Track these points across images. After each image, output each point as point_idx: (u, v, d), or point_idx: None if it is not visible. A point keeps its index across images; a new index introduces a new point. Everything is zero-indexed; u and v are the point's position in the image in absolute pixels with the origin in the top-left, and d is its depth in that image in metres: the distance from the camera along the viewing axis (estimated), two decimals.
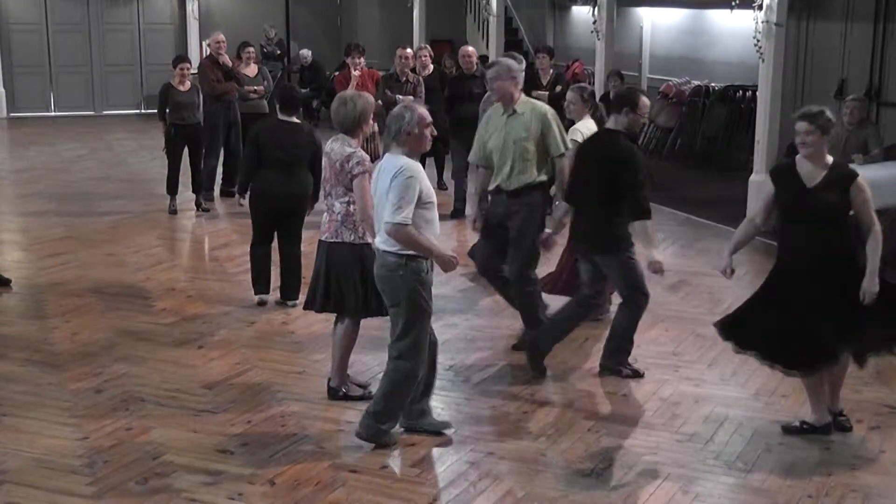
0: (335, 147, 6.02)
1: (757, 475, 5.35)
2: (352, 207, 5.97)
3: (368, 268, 5.80)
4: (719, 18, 14.51)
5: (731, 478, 5.33)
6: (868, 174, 9.01)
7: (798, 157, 5.68)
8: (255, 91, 12.35)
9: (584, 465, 5.44)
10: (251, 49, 12.68)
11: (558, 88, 11.62)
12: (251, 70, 12.49)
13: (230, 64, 12.08)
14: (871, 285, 5.45)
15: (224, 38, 12.20)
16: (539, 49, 12.51)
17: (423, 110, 5.48)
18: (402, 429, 5.73)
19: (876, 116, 11.07)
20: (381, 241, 5.47)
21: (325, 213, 6.17)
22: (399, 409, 5.64)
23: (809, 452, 5.60)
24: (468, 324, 7.67)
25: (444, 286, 7.93)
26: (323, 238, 6.14)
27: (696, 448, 5.67)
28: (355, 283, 6.03)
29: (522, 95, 7.07)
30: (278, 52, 19.22)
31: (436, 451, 5.59)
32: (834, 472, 5.37)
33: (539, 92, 11.43)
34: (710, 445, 5.70)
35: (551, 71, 11.83)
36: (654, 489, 5.19)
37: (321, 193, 6.54)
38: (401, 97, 10.89)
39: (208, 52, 12.46)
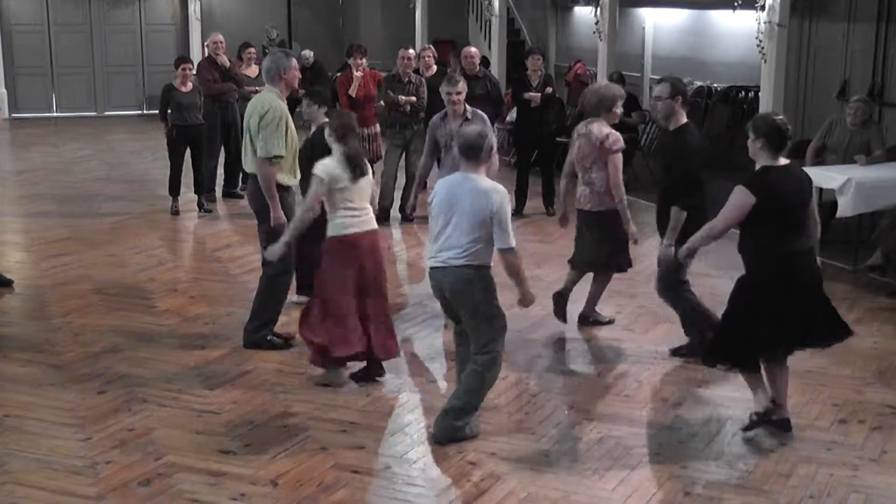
0: (593, 129, 7.21)
1: (759, 475, 5.35)
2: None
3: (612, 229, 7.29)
4: (721, 19, 14.51)
5: (733, 478, 5.33)
6: (871, 175, 9.11)
7: None
8: (255, 92, 12.34)
9: (587, 466, 5.44)
10: (252, 50, 12.70)
11: (548, 90, 11.61)
12: (252, 71, 12.49)
13: (228, 64, 12.09)
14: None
15: (222, 39, 12.22)
16: (532, 50, 12.51)
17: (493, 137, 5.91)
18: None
19: (879, 117, 11.06)
20: (452, 256, 5.59)
21: (584, 187, 7.29)
22: (477, 403, 5.77)
23: (812, 453, 5.59)
24: None
25: None
26: (585, 208, 7.34)
27: (698, 448, 5.67)
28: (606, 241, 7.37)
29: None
30: None
31: (438, 452, 5.59)
32: (836, 473, 5.37)
33: (530, 94, 11.42)
34: (713, 446, 5.70)
35: (540, 73, 11.75)
36: (656, 489, 5.19)
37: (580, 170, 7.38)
38: (403, 98, 10.89)
39: (207, 53, 12.49)
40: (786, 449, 5.64)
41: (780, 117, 5.68)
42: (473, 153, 5.60)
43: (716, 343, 5.87)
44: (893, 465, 5.49)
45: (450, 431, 5.66)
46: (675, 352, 7.06)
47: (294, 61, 7.25)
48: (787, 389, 5.87)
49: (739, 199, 5.51)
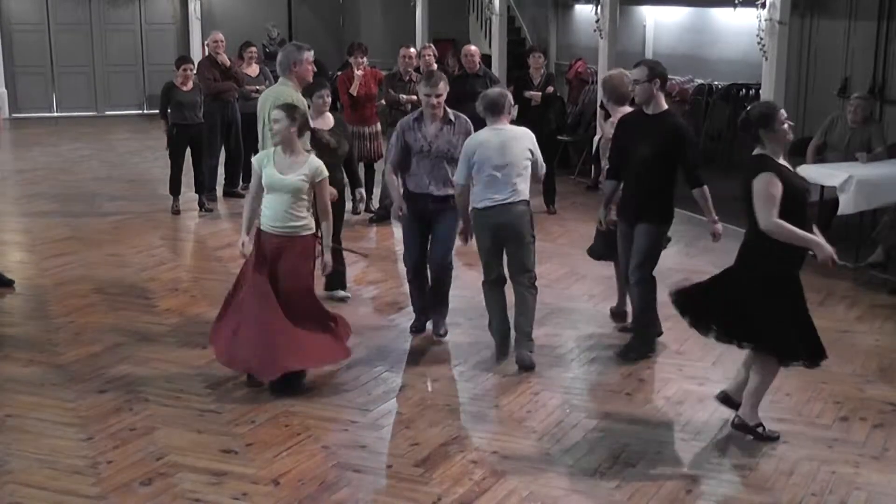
0: None
1: (761, 473, 5.35)
2: None
3: None
4: (722, 16, 14.48)
5: (735, 476, 5.33)
6: (873, 172, 9.11)
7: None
8: (256, 91, 12.35)
9: (589, 464, 5.44)
10: (253, 49, 12.70)
11: (549, 89, 11.60)
12: (253, 70, 12.50)
13: (228, 63, 12.09)
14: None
15: (222, 38, 12.23)
16: (533, 49, 12.50)
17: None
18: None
19: (880, 114, 11.06)
20: (510, 195, 6.70)
21: None
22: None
23: (813, 450, 5.60)
24: (471, 323, 7.66)
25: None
26: None
27: (700, 446, 5.67)
28: None
29: None
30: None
31: (440, 451, 5.59)
32: (838, 471, 5.37)
33: (531, 92, 11.43)
34: (714, 444, 5.70)
35: (542, 71, 11.78)
36: (658, 488, 5.18)
37: None
38: (404, 97, 10.89)
39: (207, 52, 12.49)
40: (787, 447, 5.64)
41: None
42: (498, 108, 6.80)
43: (785, 343, 5.65)
44: (895, 462, 5.49)
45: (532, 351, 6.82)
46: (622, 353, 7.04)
47: (307, 54, 7.21)
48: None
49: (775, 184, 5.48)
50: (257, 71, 12.59)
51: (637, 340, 7.03)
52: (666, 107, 6.80)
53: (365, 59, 11.35)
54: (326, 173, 6.39)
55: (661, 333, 7.16)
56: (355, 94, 11.06)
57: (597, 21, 13.63)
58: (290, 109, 6.28)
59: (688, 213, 11.35)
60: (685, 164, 6.73)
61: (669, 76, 15.94)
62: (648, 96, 6.72)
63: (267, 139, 6.97)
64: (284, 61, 7.13)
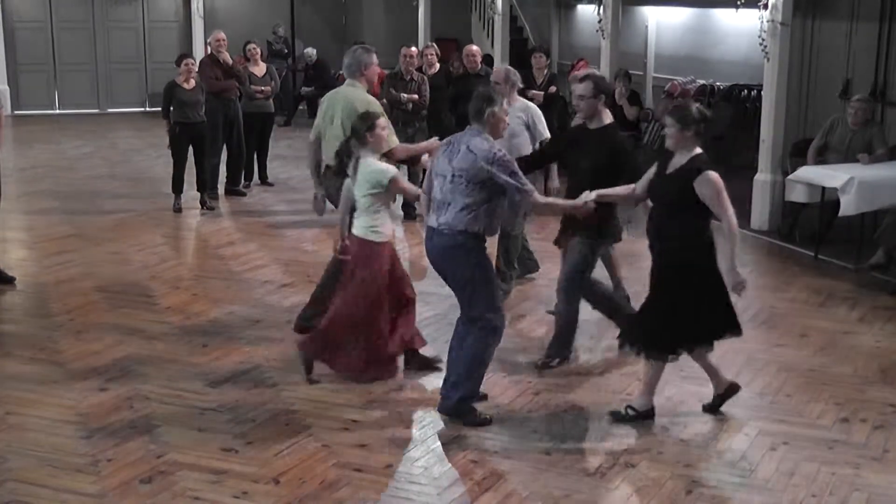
0: None
1: (761, 474, 5.35)
2: None
3: None
4: (724, 17, 14.49)
5: (735, 477, 5.33)
6: (874, 174, 9.11)
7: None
8: (261, 91, 12.37)
9: (588, 465, 5.44)
10: (254, 46, 12.69)
11: (552, 89, 11.61)
12: (259, 69, 12.50)
13: (230, 62, 12.09)
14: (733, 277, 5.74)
15: (224, 37, 12.24)
16: (536, 48, 12.50)
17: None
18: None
19: (881, 116, 11.04)
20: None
21: None
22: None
23: (813, 451, 5.60)
24: None
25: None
26: None
27: (700, 447, 5.67)
28: None
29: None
30: (286, 50, 19.23)
31: (440, 450, 5.59)
32: (838, 472, 5.37)
33: (533, 91, 11.43)
34: (714, 445, 5.71)
35: (546, 71, 11.81)
36: (658, 489, 5.19)
37: None
38: (405, 96, 10.89)
39: (209, 51, 12.50)
40: (788, 447, 5.64)
41: (699, 105, 5.91)
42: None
43: (664, 332, 5.85)
44: (895, 463, 5.49)
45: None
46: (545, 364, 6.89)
47: (374, 57, 7.35)
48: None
49: (720, 182, 5.63)
50: (264, 70, 12.59)
51: (553, 343, 6.94)
52: (608, 121, 6.74)
53: None
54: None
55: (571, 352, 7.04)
56: None
57: (599, 21, 13.64)
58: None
59: None
60: (624, 180, 6.48)
61: (672, 77, 16.00)
62: (593, 112, 6.66)
63: (331, 140, 7.01)
64: (354, 64, 7.22)
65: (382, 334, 6.44)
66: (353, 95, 7.12)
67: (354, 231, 6.46)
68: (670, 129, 5.77)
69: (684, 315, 5.77)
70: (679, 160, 5.79)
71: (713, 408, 6.12)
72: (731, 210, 5.64)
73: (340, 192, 6.69)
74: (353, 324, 6.38)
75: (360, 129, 6.36)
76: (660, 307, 5.86)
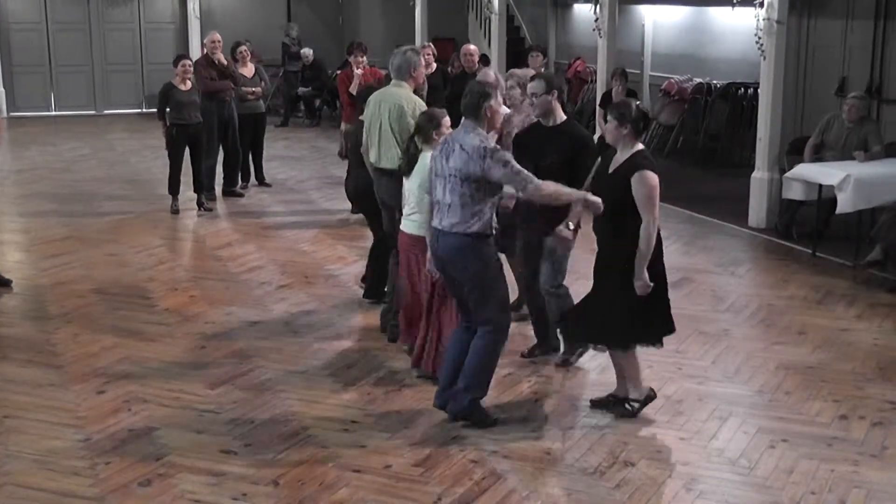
0: None
1: (760, 472, 5.35)
2: None
3: None
4: (721, 16, 14.50)
5: (734, 475, 5.33)
6: (870, 171, 9.12)
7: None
8: (252, 92, 12.37)
9: (588, 463, 5.44)
10: (243, 48, 12.69)
11: None
12: (248, 70, 12.50)
13: (225, 62, 12.09)
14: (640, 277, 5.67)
15: (219, 38, 12.23)
16: (533, 48, 12.48)
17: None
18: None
19: (877, 114, 11.07)
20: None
21: None
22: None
23: (813, 449, 5.60)
24: None
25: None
26: None
27: (699, 445, 5.67)
28: None
29: None
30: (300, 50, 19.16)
31: (439, 450, 5.59)
32: (837, 469, 5.37)
33: None
34: (714, 442, 5.70)
35: (542, 70, 11.77)
36: (657, 487, 5.19)
37: None
38: None
39: (205, 52, 12.50)
40: (787, 445, 5.64)
41: (640, 103, 5.94)
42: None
43: (625, 326, 5.89)
44: (894, 460, 5.49)
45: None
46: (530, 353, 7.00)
47: (422, 59, 7.48)
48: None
49: (654, 182, 5.64)
50: (252, 71, 12.59)
51: (567, 345, 6.96)
52: (565, 117, 6.73)
53: (364, 57, 11.36)
54: None
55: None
56: (355, 92, 11.05)
57: (596, 20, 13.64)
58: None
59: (688, 213, 11.40)
60: (585, 172, 6.43)
61: (668, 75, 16.03)
62: (547, 108, 6.65)
63: (384, 142, 7.11)
64: (405, 65, 7.26)
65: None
66: (400, 95, 7.20)
67: (405, 228, 6.51)
68: (609, 124, 5.81)
69: (621, 312, 5.81)
70: (620, 157, 5.81)
71: (602, 404, 6.12)
72: (656, 214, 5.63)
73: (392, 194, 6.94)
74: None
75: (428, 128, 6.39)
76: (601, 304, 5.91)
